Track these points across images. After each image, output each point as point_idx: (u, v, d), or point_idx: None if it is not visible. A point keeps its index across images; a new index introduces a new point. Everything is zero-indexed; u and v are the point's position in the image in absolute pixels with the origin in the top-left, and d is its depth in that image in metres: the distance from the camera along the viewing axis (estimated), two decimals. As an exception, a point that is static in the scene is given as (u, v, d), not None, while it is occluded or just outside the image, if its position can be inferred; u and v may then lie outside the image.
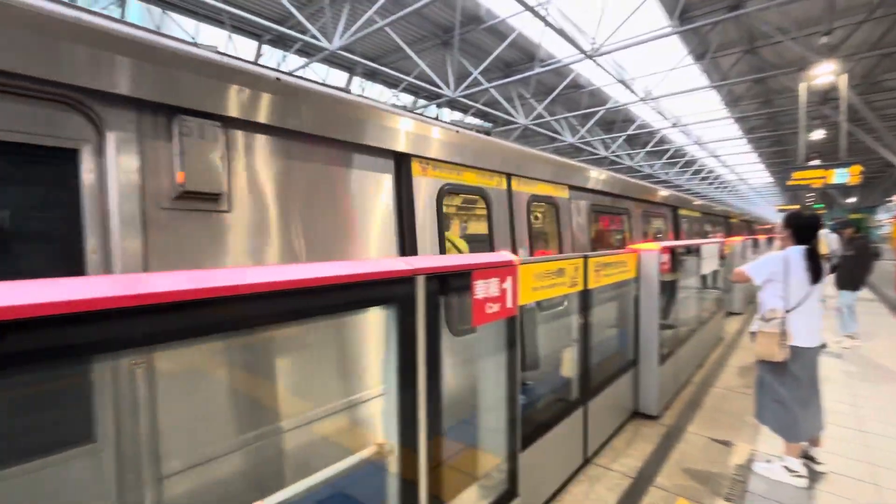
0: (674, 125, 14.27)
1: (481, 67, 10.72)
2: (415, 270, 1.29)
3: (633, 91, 11.00)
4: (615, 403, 3.30)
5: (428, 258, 1.50)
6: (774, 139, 19.95)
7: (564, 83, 12.39)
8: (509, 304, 1.71)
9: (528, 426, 2.33)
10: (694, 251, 4.43)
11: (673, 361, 3.90)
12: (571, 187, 3.93)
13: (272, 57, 11.04)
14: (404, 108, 14.00)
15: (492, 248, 2.96)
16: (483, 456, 1.93)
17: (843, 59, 8.53)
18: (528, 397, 2.63)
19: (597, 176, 4.40)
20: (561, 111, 16.04)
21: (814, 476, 2.67)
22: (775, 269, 2.66)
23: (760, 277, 2.74)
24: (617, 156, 20.69)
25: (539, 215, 4.03)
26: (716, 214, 10.70)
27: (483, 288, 1.57)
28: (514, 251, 3.15)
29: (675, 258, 3.86)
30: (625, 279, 3.37)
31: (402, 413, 1.30)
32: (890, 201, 20.36)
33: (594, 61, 8.73)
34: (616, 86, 11.81)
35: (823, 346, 5.45)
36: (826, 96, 10.60)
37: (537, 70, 10.25)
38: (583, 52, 8.44)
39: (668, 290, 3.93)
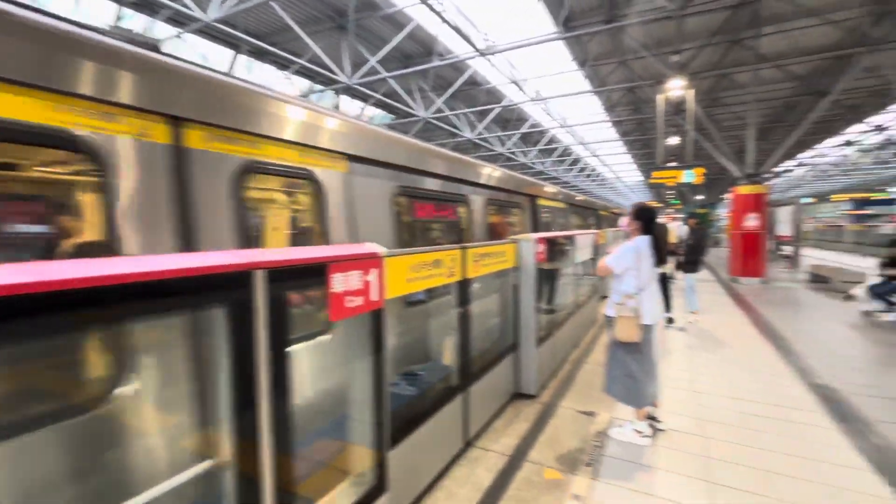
0: (561, 125, 15.43)
1: (378, 56, 10.49)
2: (251, 265, 1.17)
3: (523, 91, 11.64)
4: (496, 386, 3.46)
5: (274, 251, 1.38)
6: (643, 143, 22.70)
7: (462, 79, 12.68)
8: (374, 296, 1.66)
9: (408, 415, 2.33)
10: (569, 241, 4.82)
11: (550, 343, 4.22)
12: (353, 158, 2.68)
13: (138, 22, 9.56)
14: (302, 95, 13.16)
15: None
16: (357, 452, 1.87)
17: (690, 76, 9.97)
18: (410, 387, 2.63)
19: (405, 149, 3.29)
20: (460, 106, 16.44)
21: (655, 434, 3.08)
22: (632, 258, 2.99)
23: (621, 267, 3.05)
24: (512, 153, 21.86)
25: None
26: (584, 206, 10.97)
27: (342, 281, 1.49)
28: None
29: (552, 248, 4.16)
30: (504, 269, 3.54)
31: (240, 428, 1.18)
32: (723, 198, 24.57)
33: (487, 59, 9.04)
34: (511, 85, 12.40)
35: (671, 321, 6.42)
36: (679, 108, 12.31)
37: (435, 63, 10.32)
38: (476, 49, 8.70)
39: (546, 277, 4.22)
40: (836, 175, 30.47)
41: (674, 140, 15.08)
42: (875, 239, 17.28)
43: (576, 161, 28.21)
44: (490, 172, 4.83)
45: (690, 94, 10.15)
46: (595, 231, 6.16)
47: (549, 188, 6.95)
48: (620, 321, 2.94)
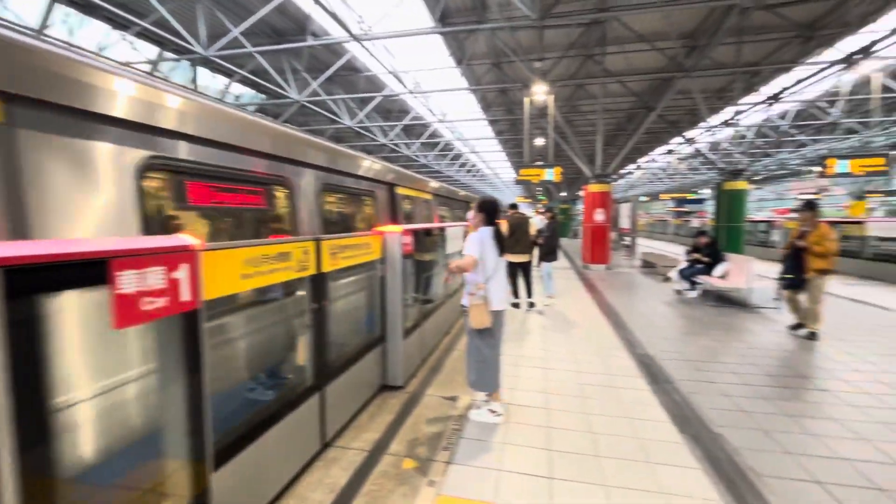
0: (440, 120, 15.80)
1: (242, 27, 9.45)
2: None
3: (402, 82, 11.60)
4: (361, 381, 3.39)
5: (20, 243, 1.09)
6: (515, 142, 24.50)
7: (339, 63, 12.14)
8: (185, 296, 1.44)
9: (249, 424, 2.12)
10: (438, 233, 4.93)
11: (419, 334, 4.28)
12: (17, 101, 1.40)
13: None
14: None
15: None
16: (177, 474, 1.62)
17: (551, 83, 10.99)
18: (252, 394, 2.41)
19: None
20: (339, 92, 15.77)
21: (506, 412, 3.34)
22: (480, 248, 3.15)
23: (479, 254, 3.17)
24: (395, 145, 21.78)
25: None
26: (453, 198, 10.32)
27: (133, 280, 1.25)
28: None
29: (420, 239, 4.20)
30: (369, 260, 3.47)
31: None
32: (579, 196, 28.02)
33: (361, 45, 8.77)
34: (391, 75, 12.24)
35: (532, 305, 7.06)
36: (542, 112, 13.51)
37: (308, 43, 9.67)
38: (350, 33, 8.37)
39: (415, 268, 4.26)
40: (663, 178, 36.82)
41: (540, 141, 16.55)
42: (688, 231, 21.45)
43: (457, 156, 29.26)
44: (330, 153, 3.76)
45: (551, 100, 11.19)
46: (466, 223, 6.43)
47: (415, 178, 6.38)
48: (473, 309, 3.10)
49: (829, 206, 37.78)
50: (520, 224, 6.82)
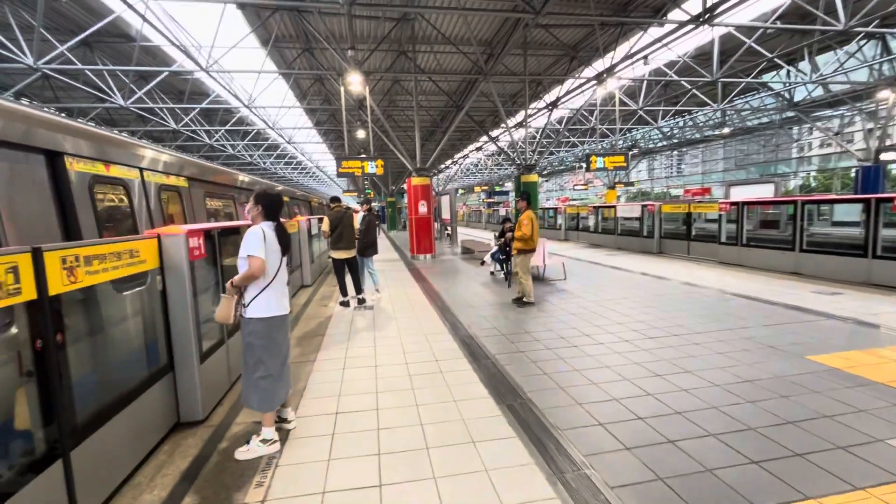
0: (248, 105, 14.08)
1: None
2: None
3: (191, 57, 9.85)
4: (137, 428, 2.64)
5: None
6: (337, 133, 23.73)
7: (98, 25, 9.57)
8: None
9: None
10: (234, 232, 4.21)
11: (222, 353, 3.63)
12: None
13: None
14: None
15: None
16: None
17: (365, 74, 10.84)
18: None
19: None
20: (105, 63, 12.55)
21: (283, 435, 2.92)
22: (263, 246, 2.70)
23: (264, 254, 2.71)
24: (192, 131, 18.64)
25: None
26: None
27: None
28: None
29: (212, 241, 3.53)
30: (137, 272, 2.72)
31: None
32: (398, 188, 29.09)
33: (128, 4, 7.03)
34: (178, 48, 10.21)
35: (362, 301, 6.87)
36: (361, 103, 13.31)
37: (42, -9, 7.27)
38: (107, -15, 6.59)
39: (210, 275, 3.58)
40: (475, 172, 41.02)
41: (361, 133, 16.33)
42: (497, 218, 24.38)
43: (273, 147, 26.81)
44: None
45: (367, 91, 11.06)
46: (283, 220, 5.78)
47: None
48: (223, 301, 2.70)
49: (594, 195, 48.06)
50: (342, 219, 6.51)
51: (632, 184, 31.42)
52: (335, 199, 6.91)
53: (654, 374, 3.77)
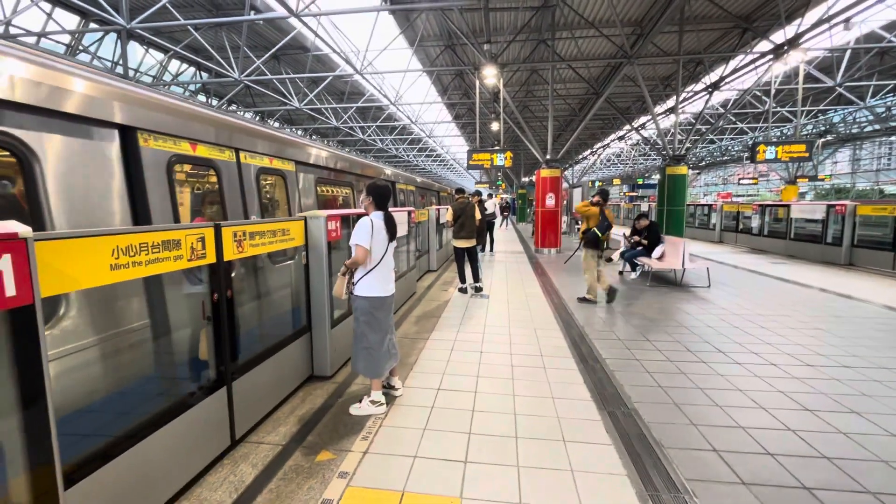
0: (394, 103, 15.45)
1: (170, -3, 8.76)
2: None
3: (349, 63, 11.19)
4: (282, 373, 3.27)
5: None
6: (474, 127, 24.43)
7: (284, 41, 11.55)
8: (10, 291, 1.28)
9: (133, 423, 1.97)
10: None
11: (349, 322, 4.17)
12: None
13: None
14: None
15: None
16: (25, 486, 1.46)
17: (502, 67, 10.93)
18: (132, 394, 2.24)
19: None
20: (287, 72, 15.06)
21: (391, 400, 3.30)
22: (369, 236, 3.03)
23: (369, 243, 3.04)
24: (350, 128, 21.17)
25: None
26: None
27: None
28: None
29: (350, 225, 4.07)
30: (288, 247, 3.32)
31: None
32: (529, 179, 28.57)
33: (301, 21, 8.35)
34: (337, 54, 11.77)
35: (479, 289, 7.10)
36: (496, 96, 13.46)
37: (246, 18, 9.08)
38: (289, 9, 7.92)
39: (343, 255, 4.14)
40: (617, 163, 38.00)
41: (495, 125, 16.53)
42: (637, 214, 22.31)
43: (416, 140, 28.86)
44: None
45: (502, 83, 11.15)
46: (409, 209, 6.32)
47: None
48: (337, 279, 3.09)
49: (767, 190, 40.38)
50: (464, 209, 6.79)
51: (821, 178, 25.54)
52: (460, 191, 7.23)
53: (803, 408, 3.14)
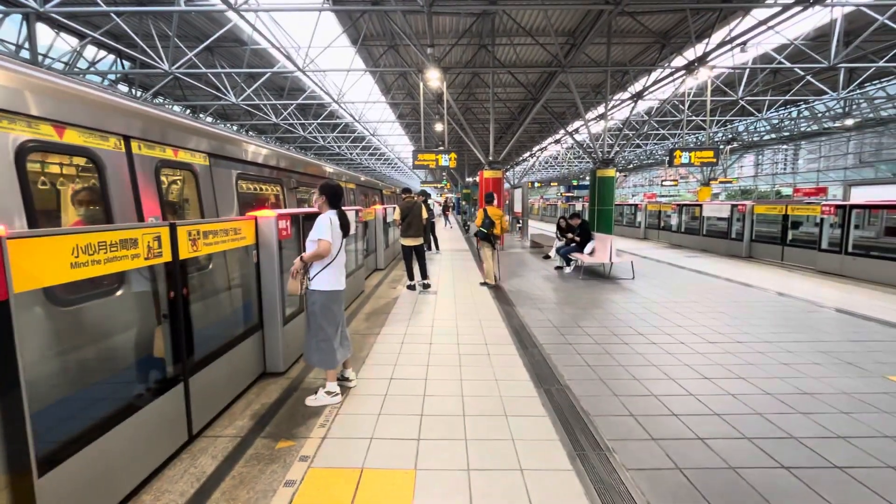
0: (337, 101, 15.28)
1: (90, -20, 8.14)
2: None
3: (290, 58, 10.97)
4: (236, 369, 3.32)
5: None
6: (418, 126, 24.63)
7: (219, 33, 11.06)
8: (-16, 287, 1.34)
9: (90, 422, 2.01)
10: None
11: (300, 319, 4.26)
12: None
13: None
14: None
15: None
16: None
17: (445, 70, 11.25)
18: (93, 390, 2.25)
19: None
20: (222, 65, 14.39)
21: (346, 392, 3.46)
22: (331, 231, 3.22)
23: (331, 238, 3.23)
24: (290, 125, 20.56)
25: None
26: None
27: None
28: None
29: (299, 224, 4.15)
30: (240, 246, 3.37)
31: None
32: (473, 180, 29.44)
33: (240, 15, 8.12)
34: (278, 50, 11.48)
35: (427, 286, 7.36)
36: (440, 98, 13.78)
37: (178, 8, 8.65)
38: (227, 3, 7.68)
39: (293, 253, 4.21)
40: (554, 165, 39.97)
41: (439, 127, 16.87)
42: (572, 213, 23.77)
43: (360, 139, 28.53)
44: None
45: (445, 86, 11.48)
46: (356, 207, 6.44)
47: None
48: (292, 278, 3.23)
49: (686, 191, 44.41)
50: (411, 208, 7.02)
51: (729, 181, 28.58)
52: (406, 190, 7.44)
53: (703, 377, 3.72)
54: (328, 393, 3.27)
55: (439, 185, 28.53)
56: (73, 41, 12.84)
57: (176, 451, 2.58)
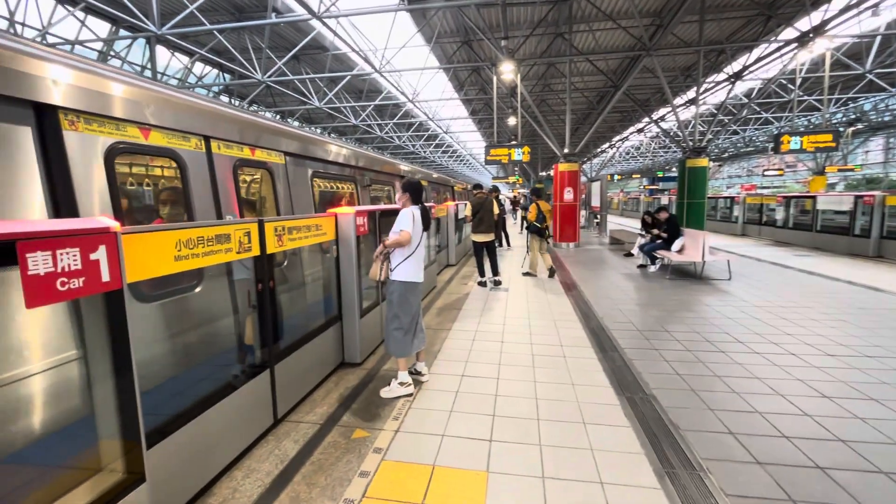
0: (412, 100, 15.62)
1: (198, 2, 9.09)
2: None
3: (369, 62, 11.39)
4: (317, 358, 3.49)
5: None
6: (491, 122, 24.42)
7: (304, 41, 11.82)
8: (105, 277, 1.50)
9: (189, 402, 2.20)
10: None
11: (377, 312, 4.38)
12: None
13: None
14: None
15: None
16: (113, 449, 1.69)
17: (519, 62, 10.97)
18: (190, 374, 2.47)
19: None
20: (307, 72, 15.37)
21: (418, 384, 3.51)
22: (412, 224, 3.35)
23: (412, 229, 3.35)
24: (368, 125, 21.43)
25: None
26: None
27: (45, 262, 1.30)
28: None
29: (377, 221, 4.26)
30: (321, 241, 3.53)
31: None
32: (547, 174, 28.38)
33: (323, 22, 8.57)
34: (357, 53, 12.00)
35: (498, 283, 7.24)
36: (513, 91, 13.50)
37: (269, 21, 9.37)
38: (310, 10, 8.15)
39: (371, 248, 4.34)
40: (636, 156, 37.43)
41: (512, 120, 16.55)
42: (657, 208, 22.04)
43: (433, 137, 28.99)
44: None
45: (519, 78, 11.20)
46: (429, 204, 6.49)
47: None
48: (374, 263, 3.42)
49: (794, 181, 39.25)
50: (483, 204, 6.93)
51: (851, 168, 24.70)
52: (477, 186, 7.37)
53: (821, 395, 3.21)
54: (401, 384, 3.34)
55: (511, 181, 28.03)
56: (185, 59, 14.52)
57: (263, 433, 2.76)
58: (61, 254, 1.36)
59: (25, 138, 1.78)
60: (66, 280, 1.37)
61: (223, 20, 11.76)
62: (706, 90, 14.72)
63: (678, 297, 6.31)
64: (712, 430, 2.76)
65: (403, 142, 26.70)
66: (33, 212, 1.79)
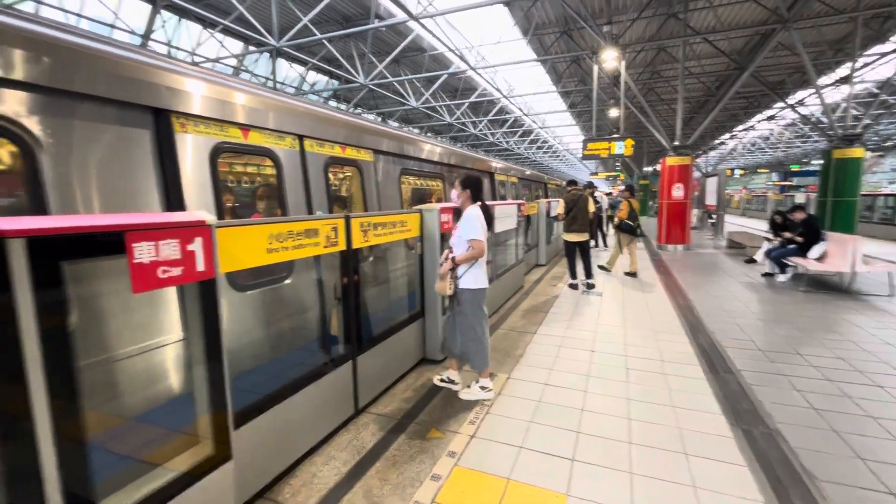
0: (506, 96, 15.37)
1: (310, 15, 9.90)
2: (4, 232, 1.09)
3: (464, 59, 11.42)
4: (399, 353, 3.54)
5: (53, 218, 1.30)
6: (590, 115, 23.09)
7: (403, 44, 12.26)
8: (200, 267, 1.61)
9: (277, 387, 2.34)
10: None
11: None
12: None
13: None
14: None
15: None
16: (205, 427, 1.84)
17: (623, 48, 10.14)
18: (278, 361, 2.63)
19: None
20: (405, 73, 15.96)
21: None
22: (482, 229, 3.11)
23: (484, 236, 3.12)
24: (462, 123, 21.64)
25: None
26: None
27: (149, 251, 1.43)
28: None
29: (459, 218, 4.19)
30: (406, 237, 3.56)
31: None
32: (653, 169, 25.76)
33: (419, 23, 8.75)
34: (452, 52, 12.12)
35: (591, 286, 6.76)
36: (616, 80, 12.54)
37: (372, 26, 9.86)
38: (408, 12, 8.38)
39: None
40: (764, 148, 32.57)
41: (614, 112, 15.43)
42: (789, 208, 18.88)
43: (527, 132, 28.33)
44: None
45: (623, 66, 10.36)
46: (519, 202, 6.28)
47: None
48: (442, 278, 3.14)
49: None
50: (576, 201, 6.51)
51: None
52: (572, 182, 6.94)
53: None
54: (482, 388, 3.22)
55: (611, 176, 26.24)
56: (300, 69, 16.01)
57: (344, 422, 2.86)
58: (162, 244, 1.48)
59: (145, 140, 2.01)
60: (166, 268, 1.50)
61: (333, 30, 12.69)
62: (865, 65, 12.20)
63: (816, 315, 5.29)
64: (863, 487, 2.20)
65: (497, 139, 26.49)
66: (149, 206, 2.02)
